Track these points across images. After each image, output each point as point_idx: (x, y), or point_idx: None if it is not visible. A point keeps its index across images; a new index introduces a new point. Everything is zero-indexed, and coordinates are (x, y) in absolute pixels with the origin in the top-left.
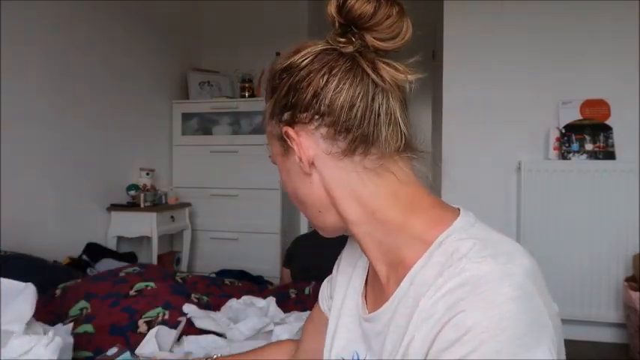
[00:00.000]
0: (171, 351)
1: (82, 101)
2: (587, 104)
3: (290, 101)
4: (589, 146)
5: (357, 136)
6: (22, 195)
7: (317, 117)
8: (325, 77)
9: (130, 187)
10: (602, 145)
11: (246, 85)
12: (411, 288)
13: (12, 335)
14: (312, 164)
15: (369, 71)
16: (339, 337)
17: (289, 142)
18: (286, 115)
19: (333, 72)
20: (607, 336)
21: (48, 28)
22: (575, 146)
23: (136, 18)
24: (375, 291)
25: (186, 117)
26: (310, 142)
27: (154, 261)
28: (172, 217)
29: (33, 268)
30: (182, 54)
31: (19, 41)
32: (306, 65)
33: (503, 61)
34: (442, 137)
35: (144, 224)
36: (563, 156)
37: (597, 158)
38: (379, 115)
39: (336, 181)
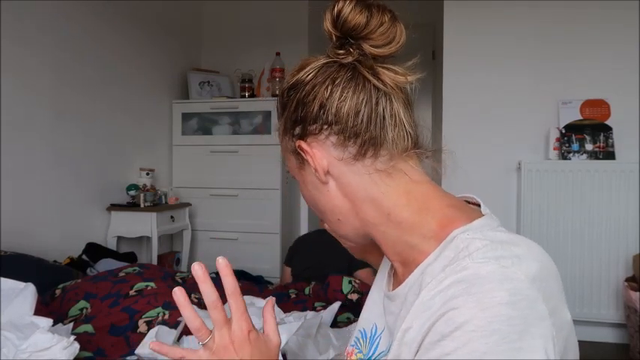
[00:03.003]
0: None
1: (82, 101)
2: (588, 104)
3: (299, 116)
4: (589, 146)
5: (365, 140)
6: (22, 195)
7: (326, 127)
8: (329, 88)
9: (129, 187)
10: (602, 145)
11: (246, 85)
12: (421, 277)
13: (37, 330)
14: (327, 173)
15: (370, 77)
16: (365, 309)
17: (303, 155)
18: (297, 130)
19: (336, 82)
20: (607, 336)
21: (48, 28)
22: (575, 146)
23: (136, 18)
24: (397, 276)
25: (186, 117)
26: (323, 152)
27: (154, 261)
28: (172, 217)
29: (33, 268)
30: (182, 54)
31: (20, 42)
32: (310, 80)
33: (503, 61)
34: (442, 137)
35: (144, 224)
36: (564, 156)
37: (597, 158)
38: (384, 117)
39: (351, 185)
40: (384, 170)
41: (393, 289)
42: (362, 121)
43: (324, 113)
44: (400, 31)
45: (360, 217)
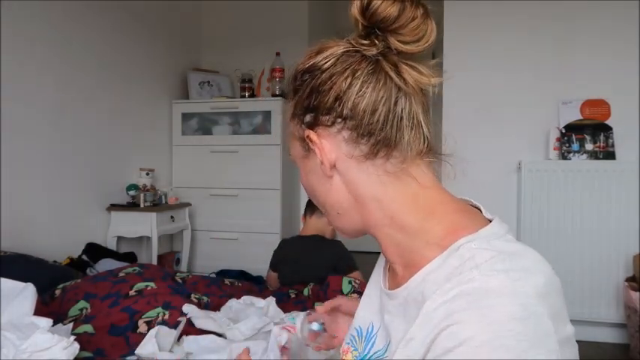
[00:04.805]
0: (171, 351)
1: (82, 101)
2: (588, 104)
3: (312, 104)
4: (589, 146)
5: (379, 140)
6: (22, 195)
7: (339, 120)
8: (348, 80)
9: (129, 187)
10: (602, 145)
11: (246, 85)
12: (422, 284)
13: (37, 330)
14: (333, 167)
15: (392, 74)
16: (362, 305)
17: (310, 145)
18: (308, 117)
19: (356, 75)
20: (607, 336)
21: (48, 28)
22: (575, 146)
23: (136, 18)
24: (394, 274)
25: (186, 117)
26: (332, 146)
27: (154, 261)
28: (172, 217)
29: (33, 268)
30: (182, 54)
31: (20, 41)
32: (329, 68)
33: (504, 60)
34: (442, 138)
35: (144, 224)
36: (564, 156)
37: (598, 158)
38: (402, 118)
39: (357, 183)
40: (393, 173)
41: (391, 288)
42: (378, 120)
43: (339, 106)
44: (431, 28)
45: (362, 215)
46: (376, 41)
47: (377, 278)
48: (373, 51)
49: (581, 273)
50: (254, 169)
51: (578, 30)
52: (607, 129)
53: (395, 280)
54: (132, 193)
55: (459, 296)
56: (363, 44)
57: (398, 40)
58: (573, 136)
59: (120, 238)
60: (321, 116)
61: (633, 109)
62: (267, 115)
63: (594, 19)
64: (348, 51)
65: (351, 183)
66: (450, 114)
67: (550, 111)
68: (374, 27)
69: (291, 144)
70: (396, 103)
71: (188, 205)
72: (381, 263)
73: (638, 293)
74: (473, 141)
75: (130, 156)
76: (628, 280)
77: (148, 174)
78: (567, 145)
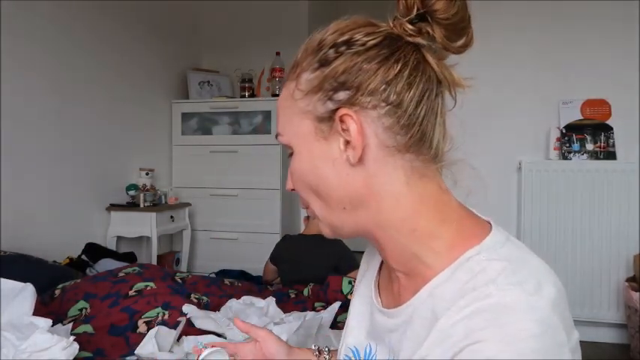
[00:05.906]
0: (171, 351)
1: (82, 101)
2: (588, 104)
3: (352, 80)
4: (590, 146)
5: (416, 134)
6: (22, 195)
7: (383, 104)
8: (399, 65)
9: (129, 187)
10: (603, 145)
11: (246, 85)
12: (429, 299)
13: (37, 330)
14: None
15: (436, 69)
16: (352, 324)
17: (340, 126)
18: (342, 95)
19: (405, 61)
20: (607, 336)
21: (48, 28)
22: (575, 146)
23: (136, 18)
24: (391, 288)
25: (185, 117)
26: (368, 131)
27: (154, 261)
28: (172, 217)
29: (32, 268)
30: (182, 54)
31: (20, 41)
32: (374, 46)
33: (504, 60)
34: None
35: (143, 224)
36: (564, 156)
37: (598, 158)
38: (437, 115)
39: (380, 177)
40: (418, 171)
41: (387, 304)
42: (420, 112)
43: (385, 90)
44: (472, 35)
45: (371, 213)
46: (427, 30)
47: (366, 292)
48: (418, 39)
49: (581, 273)
50: (254, 169)
51: (578, 30)
52: (607, 129)
53: (391, 295)
54: (132, 193)
55: (475, 313)
56: (407, 29)
57: (444, 35)
58: (574, 136)
59: (119, 238)
60: (361, 97)
61: (634, 108)
62: (267, 115)
63: (594, 19)
64: (390, 34)
65: (374, 176)
66: (449, 114)
67: (550, 111)
68: (426, 15)
69: (294, 121)
70: (435, 98)
71: (188, 205)
72: (370, 277)
73: (638, 293)
74: (473, 141)
75: (129, 156)
76: (628, 280)
77: (147, 174)
78: (568, 145)
